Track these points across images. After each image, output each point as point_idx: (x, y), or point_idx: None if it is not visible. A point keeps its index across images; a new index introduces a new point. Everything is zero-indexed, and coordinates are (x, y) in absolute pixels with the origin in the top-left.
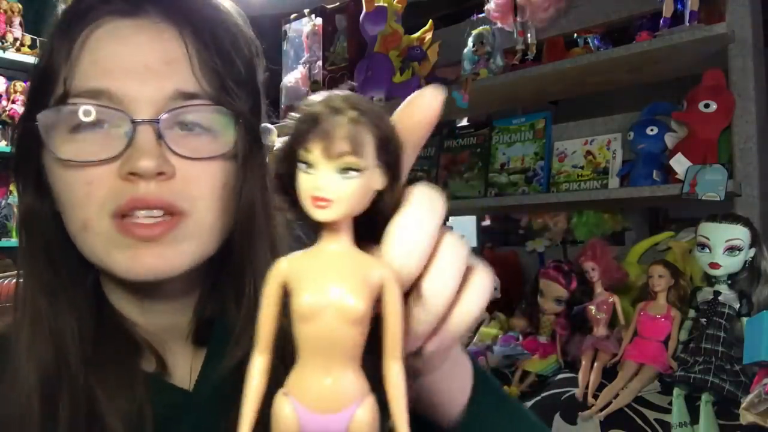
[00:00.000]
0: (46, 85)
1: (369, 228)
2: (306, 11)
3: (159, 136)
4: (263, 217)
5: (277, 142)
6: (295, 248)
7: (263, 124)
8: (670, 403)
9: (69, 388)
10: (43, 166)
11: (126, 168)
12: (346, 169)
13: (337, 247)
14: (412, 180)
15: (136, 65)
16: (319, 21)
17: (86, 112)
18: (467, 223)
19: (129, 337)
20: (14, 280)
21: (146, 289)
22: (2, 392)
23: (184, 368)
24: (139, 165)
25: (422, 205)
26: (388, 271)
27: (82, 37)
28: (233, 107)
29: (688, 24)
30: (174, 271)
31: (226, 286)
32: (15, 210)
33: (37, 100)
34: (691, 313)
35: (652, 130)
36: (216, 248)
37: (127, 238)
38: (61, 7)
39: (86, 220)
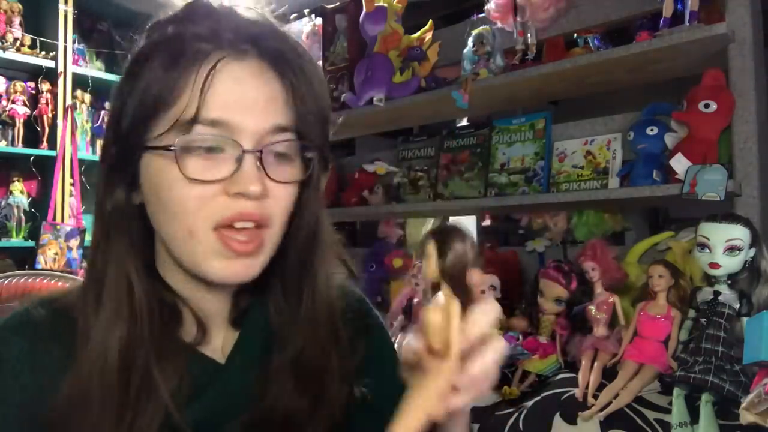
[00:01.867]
0: (157, 108)
1: None
2: (306, 11)
3: (260, 163)
4: (323, 233)
5: None
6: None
7: None
8: (670, 403)
9: (138, 362)
10: (139, 171)
11: (235, 188)
12: None
13: None
14: (413, 181)
15: (248, 101)
16: (319, 21)
17: (210, 138)
18: (467, 223)
19: (178, 313)
20: (14, 280)
21: (210, 282)
22: (81, 369)
23: (218, 344)
24: (249, 188)
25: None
26: None
27: (199, 74)
28: (312, 140)
29: (688, 24)
30: (253, 277)
31: (273, 283)
32: (15, 210)
33: (145, 120)
34: (691, 313)
35: (652, 130)
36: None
37: (227, 250)
38: (62, 9)
39: (193, 229)
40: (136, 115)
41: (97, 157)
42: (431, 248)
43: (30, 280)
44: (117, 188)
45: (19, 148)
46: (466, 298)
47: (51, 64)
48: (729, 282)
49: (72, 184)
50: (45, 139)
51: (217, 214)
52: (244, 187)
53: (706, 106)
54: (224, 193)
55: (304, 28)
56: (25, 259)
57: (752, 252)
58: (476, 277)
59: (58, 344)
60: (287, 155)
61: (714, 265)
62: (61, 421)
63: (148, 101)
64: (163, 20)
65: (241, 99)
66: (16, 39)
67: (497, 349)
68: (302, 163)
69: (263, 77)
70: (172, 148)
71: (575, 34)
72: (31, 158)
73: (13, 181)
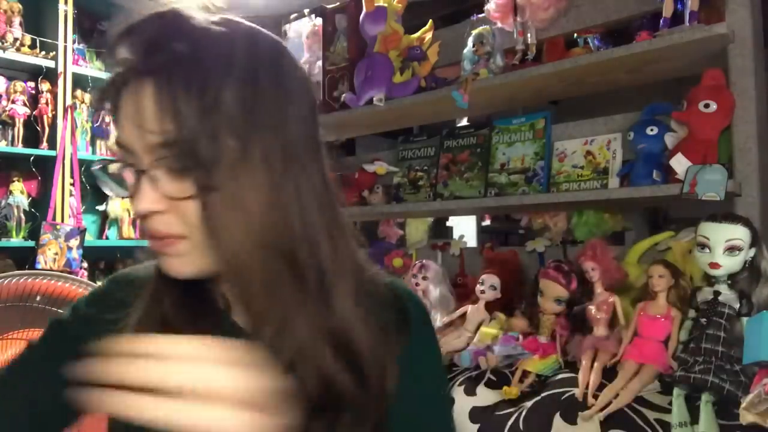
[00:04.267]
0: None
1: None
2: (306, 11)
3: (153, 181)
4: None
5: None
6: None
7: None
8: (670, 403)
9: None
10: None
11: (133, 209)
12: None
13: None
14: (413, 181)
15: (138, 120)
16: (319, 21)
17: (118, 161)
18: (467, 223)
19: (204, 287)
20: (14, 280)
21: None
22: (131, 320)
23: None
24: (137, 208)
25: None
26: None
27: (120, 98)
28: (198, 153)
29: (688, 24)
30: (190, 274)
31: None
32: (15, 210)
33: None
34: (691, 313)
35: (652, 130)
36: (214, 262)
37: (152, 247)
38: (62, 9)
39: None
40: None
41: (96, 157)
42: None
43: (30, 280)
44: None
45: (19, 148)
46: None
47: (51, 64)
48: (729, 282)
49: (72, 184)
50: (45, 139)
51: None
52: (134, 207)
53: (706, 106)
54: None
55: (304, 28)
56: (25, 259)
57: (752, 252)
58: None
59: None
60: (182, 169)
61: (714, 265)
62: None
63: None
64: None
65: (132, 119)
66: (16, 39)
67: None
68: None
69: (151, 93)
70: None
71: (575, 34)
72: (31, 158)
73: (13, 181)
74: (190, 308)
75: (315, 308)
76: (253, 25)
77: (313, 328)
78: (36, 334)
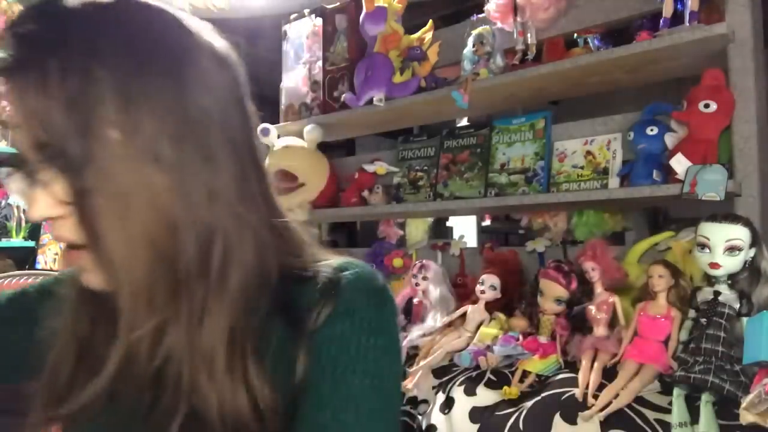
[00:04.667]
0: None
1: None
2: (306, 11)
3: (45, 185)
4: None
5: (277, 142)
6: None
7: (262, 125)
8: (670, 403)
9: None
10: None
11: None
12: None
13: None
14: (413, 181)
15: (12, 121)
16: (319, 21)
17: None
18: (467, 223)
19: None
20: (14, 280)
21: None
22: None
23: None
24: (30, 216)
25: None
26: None
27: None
28: (73, 151)
29: (688, 24)
30: (102, 286)
31: None
32: (15, 210)
33: None
34: (691, 313)
35: (652, 130)
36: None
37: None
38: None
39: None
40: None
41: None
42: None
43: (30, 280)
44: None
45: None
46: None
47: None
48: (729, 282)
49: None
50: None
51: None
52: (28, 215)
53: (706, 106)
54: None
55: (304, 28)
56: (25, 259)
57: (752, 252)
58: None
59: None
60: (47, 176)
61: (714, 265)
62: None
63: None
64: None
65: (11, 121)
66: None
67: None
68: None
69: (19, 96)
70: None
71: (575, 34)
72: None
73: None
74: (108, 324)
75: (187, 321)
76: (153, 3)
77: (183, 341)
78: None
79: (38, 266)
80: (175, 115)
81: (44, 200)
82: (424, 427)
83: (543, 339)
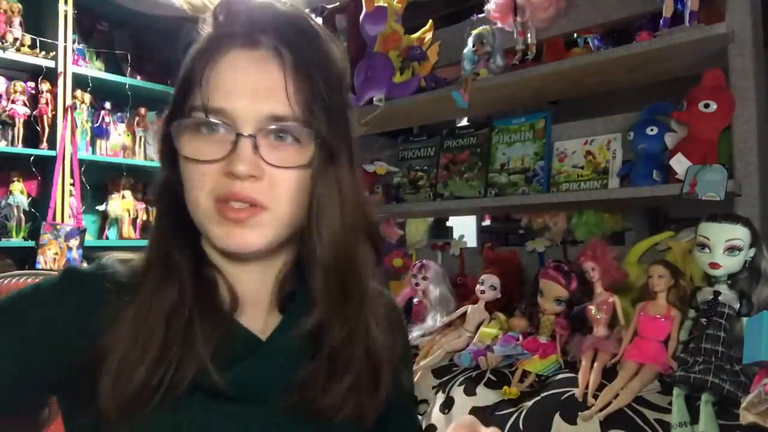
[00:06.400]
0: (183, 97)
1: None
2: (306, 11)
3: (255, 147)
4: (346, 226)
5: None
6: None
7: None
8: (670, 403)
9: (180, 320)
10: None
11: (227, 168)
12: None
13: None
14: (413, 181)
15: (247, 90)
16: (318, 21)
17: (207, 123)
18: (467, 223)
19: (215, 284)
20: (14, 280)
21: (236, 256)
22: (139, 315)
23: (261, 324)
24: (237, 169)
25: None
26: None
27: (211, 64)
28: (314, 128)
29: (688, 24)
30: (253, 248)
31: (315, 272)
32: (15, 210)
33: (177, 107)
34: (691, 313)
35: (652, 130)
36: (288, 236)
37: (221, 217)
38: (62, 9)
39: (197, 199)
40: (172, 102)
41: (96, 158)
42: None
43: (30, 280)
44: (164, 166)
45: (19, 148)
46: None
47: (51, 64)
48: (729, 282)
49: (72, 184)
50: (45, 139)
51: (215, 190)
52: (234, 167)
53: (706, 106)
54: (223, 173)
55: None
56: (25, 259)
57: (752, 252)
58: None
59: (115, 296)
60: (287, 142)
61: (714, 265)
62: (97, 359)
63: (177, 90)
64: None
65: (241, 88)
66: (16, 39)
67: None
68: (306, 152)
69: (267, 67)
70: (171, 131)
71: (575, 34)
72: (31, 158)
73: (13, 181)
74: (197, 304)
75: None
76: None
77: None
78: None
79: (38, 266)
80: (349, 128)
81: (252, 159)
82: (424, 427)
83: (543, 339)
